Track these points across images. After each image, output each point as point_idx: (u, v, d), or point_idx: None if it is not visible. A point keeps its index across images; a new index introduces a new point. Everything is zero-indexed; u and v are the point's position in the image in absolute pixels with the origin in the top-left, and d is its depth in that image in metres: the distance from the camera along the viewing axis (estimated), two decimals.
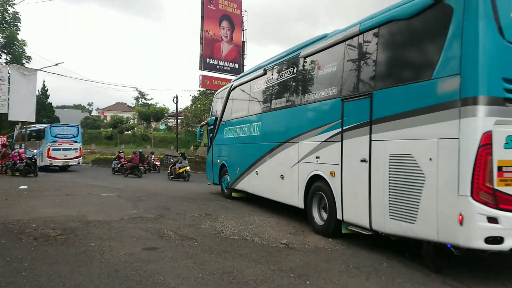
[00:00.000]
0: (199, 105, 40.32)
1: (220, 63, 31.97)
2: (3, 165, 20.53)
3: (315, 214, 7.40)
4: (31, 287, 4.26)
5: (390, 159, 5.39)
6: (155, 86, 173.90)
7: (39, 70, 26.50)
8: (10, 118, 24.16)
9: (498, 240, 4.30)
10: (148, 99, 66.30)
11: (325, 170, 6.94)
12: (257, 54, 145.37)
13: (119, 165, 22.90)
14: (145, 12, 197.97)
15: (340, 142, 6.49)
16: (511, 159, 4.37)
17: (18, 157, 19.86)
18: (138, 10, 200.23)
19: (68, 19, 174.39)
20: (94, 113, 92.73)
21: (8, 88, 22.85)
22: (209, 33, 31.11)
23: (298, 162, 7.92)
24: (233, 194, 11.97)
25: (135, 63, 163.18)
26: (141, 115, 58.67)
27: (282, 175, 8.59)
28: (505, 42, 4.39)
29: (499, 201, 4.31)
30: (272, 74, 9.54)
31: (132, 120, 66.35)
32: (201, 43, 30.77)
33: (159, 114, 56.99)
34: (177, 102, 41.43)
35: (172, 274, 4.76)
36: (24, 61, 26.06)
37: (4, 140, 23.15)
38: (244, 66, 33.80)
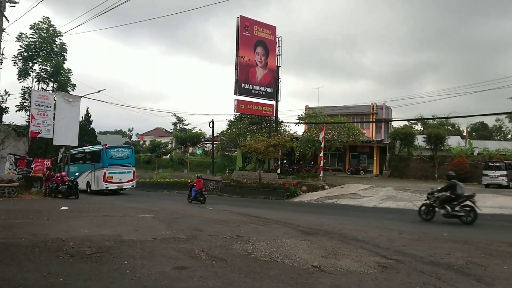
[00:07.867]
0: (234, 130, 40.56)
1: (255, 87, 32.19)
2: (47, 187, 21.49)
3: (88, 189, 26.69)
4: None
5: (95, 176, 26.79)
6: (193, 111, 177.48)
7: (82, 96, 27.70)
8: (54, 143, 25.14)
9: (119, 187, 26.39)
10: (186, 124, 67.72)
11: (89, 178, 27.01)
12: (297, 86, 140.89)
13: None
14: (186, 43, 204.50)
15: (92, 173, 26.73)
16: (110, 175, 25.58)
17: (60, 180, 20.74)
18: (174, 41, 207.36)
19: (111, 50, 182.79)
20: (134, 138, 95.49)
21: (54, 114, 23.99)
22: (244, 58, 31.54)
23: (86, 176, 27.38)
24: None
25: (174, 89, 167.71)
26: (178, 139, 60.08)
27: (82, 181, 26.57)
28: (108, 158, 25.81)
29: (107, 181, 25.39)
30: (84, 153, 29.32)
31: (170, 145, 67.91)
32: (236, 69, 31.19)
33: (195, 138, 58.07)
34: (212, 127, 41.95)
35: None
36: (69, 89, 27.32)
37: (49, 163, 24.12)
38: (279, 91, 33.97)
